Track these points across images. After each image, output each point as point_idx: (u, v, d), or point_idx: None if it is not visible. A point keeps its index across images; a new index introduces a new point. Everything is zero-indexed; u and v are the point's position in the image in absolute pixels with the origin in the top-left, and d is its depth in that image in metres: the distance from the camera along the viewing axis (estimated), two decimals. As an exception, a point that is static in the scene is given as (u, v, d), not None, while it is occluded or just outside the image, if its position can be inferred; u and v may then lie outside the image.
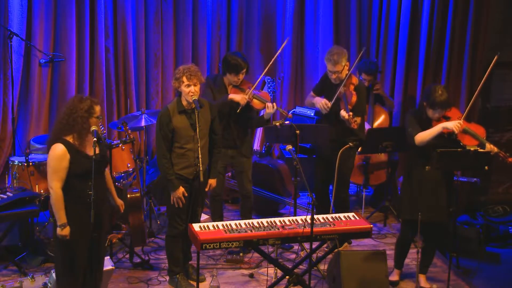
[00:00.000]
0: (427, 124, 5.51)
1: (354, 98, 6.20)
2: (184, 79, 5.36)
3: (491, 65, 5.63)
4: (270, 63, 6.52)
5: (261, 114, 6.36)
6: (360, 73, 7.18)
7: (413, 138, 5.47)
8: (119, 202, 5.20)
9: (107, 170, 5.02)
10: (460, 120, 5.46)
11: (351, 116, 6.06)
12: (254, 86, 6.13)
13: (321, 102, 6.21)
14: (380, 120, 7.52)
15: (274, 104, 6.11)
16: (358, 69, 6.96)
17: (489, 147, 5.44)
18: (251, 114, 6.25)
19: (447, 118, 5.50)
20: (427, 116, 5.50)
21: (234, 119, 6.14)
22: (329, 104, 6.16)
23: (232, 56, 6.06)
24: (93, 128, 4.70)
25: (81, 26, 7.35)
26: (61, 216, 4.66)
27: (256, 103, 6.11)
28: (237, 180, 6.46)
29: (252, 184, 6.42)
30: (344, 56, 6.16)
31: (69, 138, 4.67)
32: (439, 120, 5.48)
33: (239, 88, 6.10)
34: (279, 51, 6.67)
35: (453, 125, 5.41)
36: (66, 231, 4.67)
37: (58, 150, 4.62)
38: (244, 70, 6.05)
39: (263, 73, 6.61)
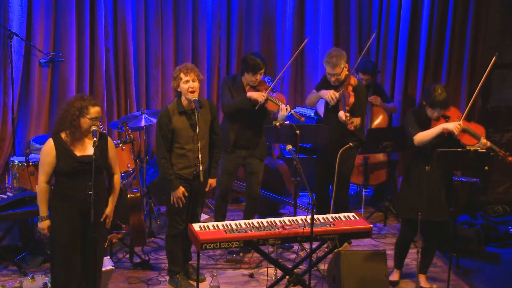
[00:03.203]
0: (426, 123, 5.51)
1: (351, 99, 6.19)
2: (182, 75, 5.36)
3: (490, 65, 5.63)
4: (289, 63, 6.75)
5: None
6: (357, 72, 7.17)
7: (412, 138, 5.47)
8: (108, 211, 4.94)
9: (116, 176, 5.01)
10: (460, 121, 5.46)
11: (348, 117, 6.07)
12: (270, 88, 6.12)
13: (329, 93, 6.18)
14: (379, 120, 7.52)
15: (288, 106, 6.10)
16: (355, 69, 6.96)
17: (483, 141, 5.44)
18: (265, 116, 6.25)
19: (447, 118, 5.50)
20: (426, 115, 5.51)
21: (249, 120, 6.13)
22: (337, 94, 6.14)
23: (251, 56, 6.05)
24: (93, 128, 4.70)
25: (81, 26, 7.35)
26: (42, 208, 4.78)
27: (270, 104, 6.11)
28: (246, 181, 6.44)
29: (260, 186, 6.41)
30: (343, 58, 6.15)
31: (63, 135, 4.71)
32: (438, 120, 5.49)
33: (255, 89, 6.09)
34: (298, 51, 6.70)
35: (453, 126, 5.41)
36: (44, 224, 4.78)
37: (47, 145, 4.72)
38: (262, 71, 6.05)
39: (280, 74, 6.64)
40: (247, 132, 6.17)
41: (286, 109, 6.07)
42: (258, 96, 6.01)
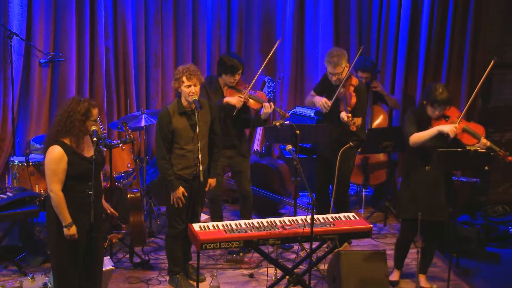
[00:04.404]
0: (426, 123, 5.51)
1: (353, 100, 6.20)
2: (184, 79, 5.36)
3: (487, 70, 5.63)
4: (264, 63, 6.55)
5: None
6: (356, 71, 7.17)
7: (408, 138, 5.48)
8: (105, 205, 5.00)
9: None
10: (456, 124, 5.45)
11: (350, 118, 6.07)
12: (250, 87, 6.13)
13: (321, 101, 6.22)
14: (379, 120, 7.52)
15: (271, 103, 6.12)
16: (354, 67, 6.97)
17: (483, 141, 5.45)
18: (248, 114, 6.25)
19: (446, 117, 5.51)
20: (427, 114, 5.51)
21: (231, 120, 6.13)
22: (329, 103, 6.17)
23: (228, 57, 6.08)
24: (93, 128, 4.70)
25: (81, 26, 7.35)
26: (65, 216, 4.63)
27: (252, 103, 6.12)
28: (236, 180, 6.45)
29: (251, 183, 6.42)
30: (344, 57, 6.16)
31: (66, 140, 4.65)
32: (439, 119, 5.49)
33: (235, 89, 6.11)
34: (271, 53, 6.56)
35: (449, 129, 5.40)
36: (73, 230, 4.64)
37: (56, 152, 4.59)
38: (240, 71, 6.07)
39: (258, 73, 6.58)
40: (231, 131, 6.17)
41: (270, 106, 6.08)
42: (235, 101, 6.02)
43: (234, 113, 6.01)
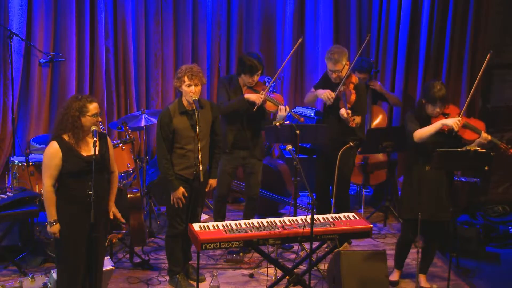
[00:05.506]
0: (426, 122, 5.51)
1: (353, 97, 6.20)
2: (186, 78, 5.36)
3: (485, 62, 5.64)
4: (283, 64, 6.62)
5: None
6: (353, 71, 7.16)
7: (412, 135, 5.47)
8: (113, 209, 5.03)
9: (115, 174, 5.03)
10: (459, 117, 5.46)
11: (349, 115, 6.07)
12: (267, 88, 6.11)
13: (325, 93, 6.18)
14: (378, 120, 7.51)
15: (287, 107, 6.11)
16: (351, 68, 6.96)
17: (484, 135, 5.45)
18: (264, 116, 6.24)
19: (446, 115, 5.51)
20: (426, 113, 5.51)
21: (247, 121, 6.13)
22: (333, 95, 6.14)
23: (248, 57, 6.05)
24: (93, 128, 4.71)
25: (81, 26, 7.35)
26: (51, 212, 4.69)
27: (268, 105, 6.11)
28: (246, 181, 6.42)
29: (260, 186, 6.40)
30: (344, 55, 6.16)
31: (66, 137, 4.70)
32: (438, 117, 5.49)
33: (253, 90, 6.09)
34: (293, 51, 6.67)
35: (453, 122, 5.41)
36: (55, 228, 4.70)
37: (51, 147, 4.67)
38: (260, 72, 6.05)
39: (276, 74, 6.55)
40: (246, 132, 6.16)
41: (286, 109, 6.07)
42: (255, 98, 6.00)
43: (254, 109, 6.00)
